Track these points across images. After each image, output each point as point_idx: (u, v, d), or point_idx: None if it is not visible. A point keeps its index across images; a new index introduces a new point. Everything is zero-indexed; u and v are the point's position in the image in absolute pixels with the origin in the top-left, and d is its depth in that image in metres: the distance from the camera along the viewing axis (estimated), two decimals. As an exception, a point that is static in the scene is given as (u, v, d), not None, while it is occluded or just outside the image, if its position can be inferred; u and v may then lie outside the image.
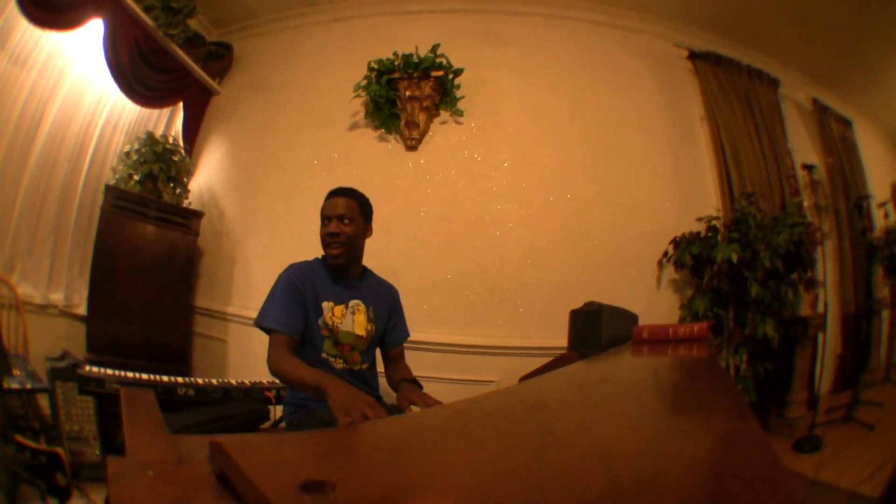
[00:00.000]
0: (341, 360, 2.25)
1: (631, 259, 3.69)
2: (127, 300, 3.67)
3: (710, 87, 4.22)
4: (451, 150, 3.69)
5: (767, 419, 3.91)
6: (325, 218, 2.30)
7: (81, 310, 3.88)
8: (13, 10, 3.37)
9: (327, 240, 2.28)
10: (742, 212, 3.73)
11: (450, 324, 3.44)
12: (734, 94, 4.28)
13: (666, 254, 3.74)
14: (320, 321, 2.21)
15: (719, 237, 3.71)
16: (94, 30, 3.76)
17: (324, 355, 2.22)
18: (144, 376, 3.22)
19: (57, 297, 3.78)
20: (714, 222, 3.75)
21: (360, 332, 2.29)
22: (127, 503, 0.57)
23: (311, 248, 3.21)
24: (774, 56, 4.50)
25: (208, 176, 4.26)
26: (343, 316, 2.26)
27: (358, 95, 3.74)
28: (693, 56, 4.27)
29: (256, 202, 4.07)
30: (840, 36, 4.18)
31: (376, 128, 3.78)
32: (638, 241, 3.72)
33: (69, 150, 3.91)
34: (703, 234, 3.74)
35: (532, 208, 3.62)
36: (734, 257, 3.49)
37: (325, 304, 2.24)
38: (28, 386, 2.71)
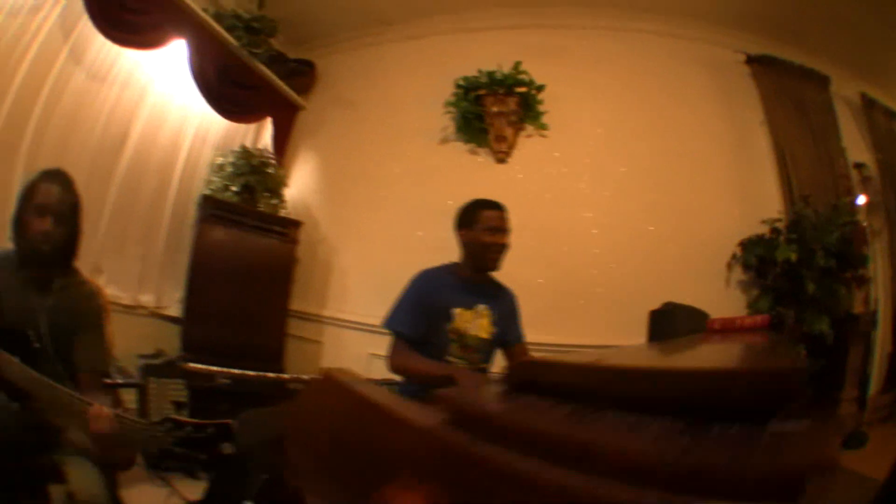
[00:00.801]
0: (464, 362, 2.44)
1: (701, 261, 3.89)
2: (223, 303, 3.92)
3: (768, 90, 4.32)
4: (537, 162, 3.91)
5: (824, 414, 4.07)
6: (495, 230, 2.46)
7: (171, 311, 4.18)
8: (86, 26, 3.65)
9: (495, 249, 2.46)
10: (799, 213, 3.92)
11: (543, 325, 3.65)
12: (789, 95, 4.35)
13: (734, 255, 3.94)
14: (449, 326, 2.41)
15: (781, 238, 3.89)
16: (176, 48, 4.02)
17: (448, 357, 2.42)
18: (251, 372, 3.46)
19: (147, 298, 4.08)
20: (777, 224, 3.93)
21: (485, 335, 2.49)
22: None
23: (403, 256, 3.60)
24: (822, 53, 4.52)
25: (300, 187, 4.54)
26: (470, 321, 2.46)
27: (448, 112, 3.95)
28: (750, 60, 4.39)
29: (349, 212, 4.34)
30: (883, 25, 4.15)
31: (466, 142, 3.99)
32: (707, 244, 3.91)
33: (157, 163, 4.19)
34: (766, 235, 3.92)
35: (610, 216, 3.83)
36: (792, 257, 3.67)
37: (455, 311, 2.41)
38: (118, 381, 2.90)
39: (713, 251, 3.94)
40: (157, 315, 4.12)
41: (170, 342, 4.04)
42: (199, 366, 3.45)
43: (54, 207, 1.81)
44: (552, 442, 0.69)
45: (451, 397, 0.99)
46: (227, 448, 1.30)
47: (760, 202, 4.10)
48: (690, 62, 4.25)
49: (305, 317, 4.35)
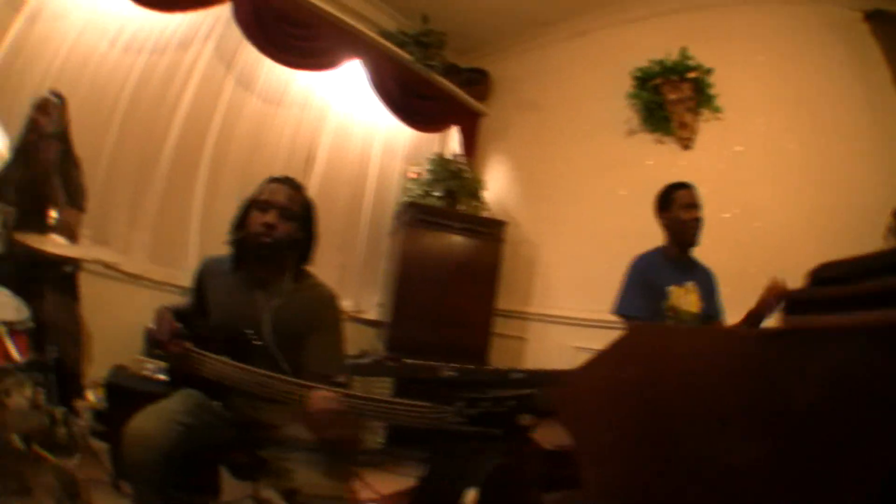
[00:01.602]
0: None
1: (864, 233, 4.00)
2: (428, 304, 4.08)
3: (889, 46, 3.85)
4: (718, 145, 3.92)
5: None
6: (690, 206, 2.72)
7: (370, 315, 4.43)
8: (248, 55, 4.00)
9: (693, 224, 2.70)
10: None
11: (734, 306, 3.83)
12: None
13: (889, 227, 4.09)
14: (666, 304, 2.60)
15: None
16: (351, 67, 4.29)
17: None
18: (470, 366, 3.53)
19: (347, 304, 4.26)
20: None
21: (695, 310, 2.67)
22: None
23: (603, 247, 3.78)
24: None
25: (495, 190, 4.70)
26: (683, 297, 2.65)
27: (631, 104, 4.08)
28: (868, 17, 3.92)
29: (546, 209, 4.47)
30: None
31: (651, 131, 4.09)
32: (862, 216, 4.01)
33: (348, 176, 4.48)
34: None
35: (786, 194, 3.93)
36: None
37: (670, 289, 2.63)
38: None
39: (871, 222, 4.04)
40: (356, 319, 4.34)
41: (368, 344, 4.30)
42: (417, 361, 3.57)
43: (280, 204, 1.81)
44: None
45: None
46: (526, 419, 1.23)
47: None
48: (818, 27, 4.02)
49: (510, 314, 4.44)
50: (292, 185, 1.89)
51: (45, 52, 3.30)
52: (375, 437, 3.24)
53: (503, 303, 4.45)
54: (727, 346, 1.12)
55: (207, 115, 3.86)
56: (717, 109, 3.98)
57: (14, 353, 1.68)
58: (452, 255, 4.20)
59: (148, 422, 1.61)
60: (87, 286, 2.98)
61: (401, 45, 4.46)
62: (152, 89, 3.67)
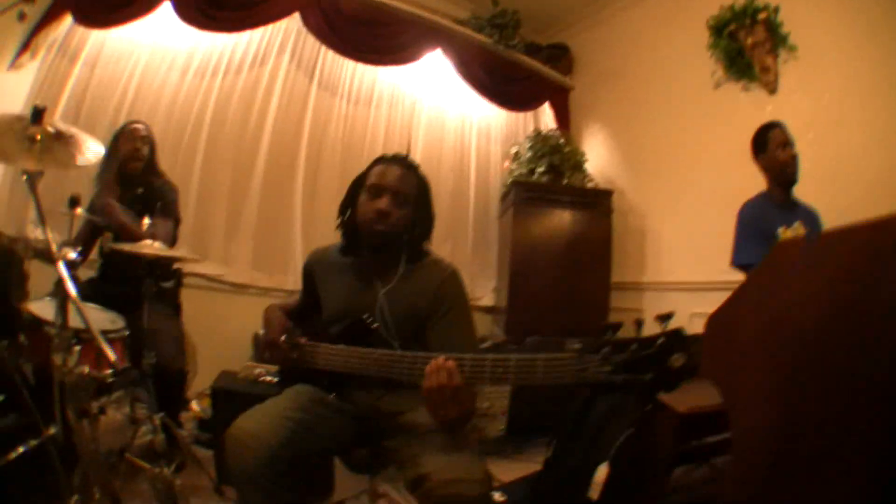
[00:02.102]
0: None
1: None
2: (544, 285, 3.93)
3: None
4: (800, 85, 3.67)
5: None
6: (784, 144, 2.72)
7: (486, 301, 4.34)
8: (328, 62, 4.16)
9: (790, 161, 2.70)
10: None
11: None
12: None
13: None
14: None
15: None
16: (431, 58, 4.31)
17: None
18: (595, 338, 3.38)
19: None
20: None
21: None
22: None
23: (708, 205, 3.64)
24: None
25: (594, 161, 4.51)
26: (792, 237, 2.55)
27: (713, 55, 3.93)
28: None
29: (647, 175, 4.28)
30: None
31: (737, 80, 3.95)
32: None
33: (449, 165, 4.43)
34: None
35: (873, 133, 3.63)
36: None
37: (779, 231, 2.62)
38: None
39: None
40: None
41: (487, 331, 4.22)
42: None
43: (393, 188, 1.63)
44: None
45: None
46: (678, 359, 1.01)
47: None
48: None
49: (624, 286, 4.25)
50: (404, 165, 1.70)
51: (109, 93, 3.53)
52: (497, 424, 3.13)
53: (618, 276, 4.26)
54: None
55: (296, 123, 4.00)
56: (792, 48, 3.74)
57: (112, 357, 1.62)
58: (563, 230, 4.04)
59: (253, 419, 1.48)
60: (192, 301, 3.04)
61: (478, 29, 4.39)
62: (236, 107, 3.86)
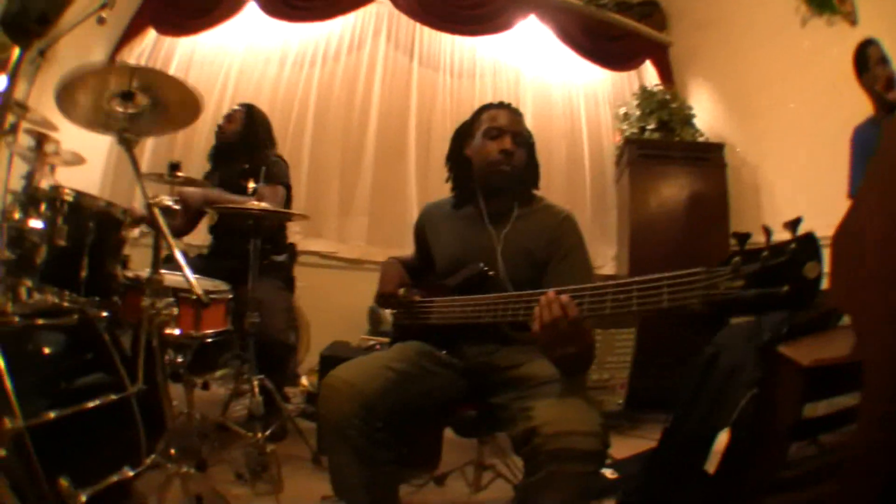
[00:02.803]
0: None
1: None
2: (665, 246, 3.72)
3: None
4: (878, 13, 3.55)
5: None
6: (886, 60, 2.54)
7: (607, 269, 4.19)
8: (425, 41, 4.25)
9: (888, 81, 2.49)
10: None
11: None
12: None
13: None
14: None
15: None
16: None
17: None
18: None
19: None
20: None
21: None
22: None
23: (821, 149, 3.34)
24: None
25: (702, 115, 4.24)
26: None
27: None
28: None
29: (754, 126, 4.02)
30: None
31: (819, 14, 3.73)
32: None
33: (560, 132, 4.35)
34: None
35: None
36: None
37: None
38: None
39: None
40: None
41: None
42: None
43: (513, 128, 1.62)
44: None
45: None
46: (813, 269, 0.83)
47: None
48: None
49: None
50: (513, 110, 1.69)
51: (207, 93, 3.69)
52: (615, 398, 2.96)
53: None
54: None
55: (402, 101, 4.09)
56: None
57: (198, 290, 1.49)
58: (680, 189, 3.81)
59: (351, 368, 1.40)
60: (306, 277, 3.05)
61: (563, -9, 4.34)
62: (339, 91, 4.00)
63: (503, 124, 1.61)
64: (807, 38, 3.73)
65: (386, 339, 2.34)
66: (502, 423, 1.40)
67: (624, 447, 2.44)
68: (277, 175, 2.70)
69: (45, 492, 1.30)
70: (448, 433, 1.76)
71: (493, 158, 1.58)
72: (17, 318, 1.54)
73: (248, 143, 2.80)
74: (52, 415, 1.40)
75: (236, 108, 2.92)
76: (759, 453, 1.53)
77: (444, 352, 1.53)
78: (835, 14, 3.68)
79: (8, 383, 1.33)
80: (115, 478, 1.46)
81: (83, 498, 1.34)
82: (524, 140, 1.64)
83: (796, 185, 3.73)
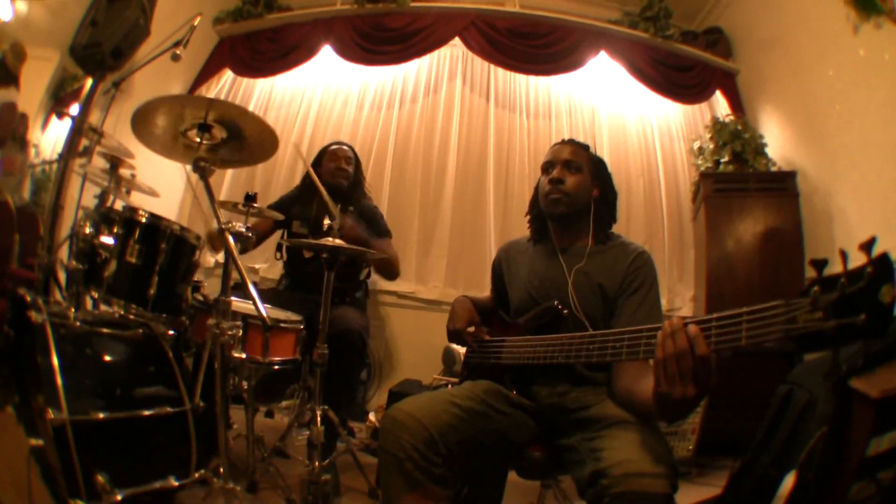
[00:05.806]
0: None
1: None
2: (743, 283, 3.70)
3: None
4: None
5: None
6: None
7: (685, 311, 4.12)
8: (500, 82, 4.36)
9: None
10: None
11: None
12: None
13: None
14: None
15: None
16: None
17: None
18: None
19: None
20: None
21: None
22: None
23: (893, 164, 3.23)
24: None
25: (772, 144, 4.19)
26: None
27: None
28: None
29: (827, 149, 3.90)
30: None
31: (868, 17, 3.59)
32: None
33: (637, 169, 4.36)
34: None
35: None
36: None
37: None
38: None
39: None
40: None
41: None
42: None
43: (562, 159, 1.70)
44: None
45: None
46: (889, 293, 0.76)
47: None
48: None
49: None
50: (574, 143, 1.77)
51: (286, 133, 4.05)
52: (686, 444, 2.92)
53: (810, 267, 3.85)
54: None
55: (480, 142, 4.20)
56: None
57: (264, 312, 1.54)
58: (755, 221, 3.77)
59: (416, 402, 1.38)
60: (383, 316, 3.31)
61: (632, 26, 4.32)
62: (417, 133, 4.15)
63: (555, 157, 1.71)
64: (861, 45, 3.62)
65: (457, 380, 2.33)
66: (569, 466, 1.37)
67: (689, 495, 2.35)
68: (385, 227, 2.82)
69: (79, 485, 1.35)
70: (511, 475, 1.70)
71: (545, 190, 1.68)
72: (78, 323, 1.63)
73: (354, 185, 2.91)
74: (101, 415, 1.48)
75: (346, 148, 2.95)
76: (824, 496, 1.42)
77: (515, 391, 1.54)
78: (880, 15, 3.60)
79: (59, 379, 1.43)
80: (157, 484, 1.52)
81: (119, 496, 1.40)
82: (578, 167, 1.68)
83: (868, 204, 3.60)
